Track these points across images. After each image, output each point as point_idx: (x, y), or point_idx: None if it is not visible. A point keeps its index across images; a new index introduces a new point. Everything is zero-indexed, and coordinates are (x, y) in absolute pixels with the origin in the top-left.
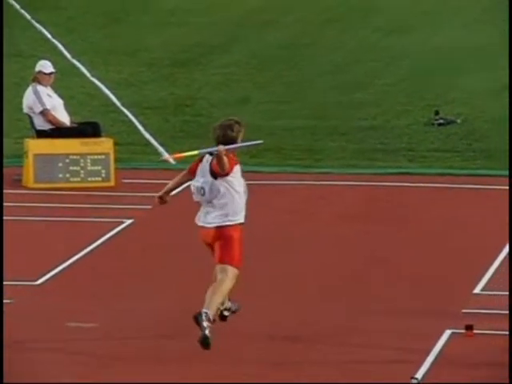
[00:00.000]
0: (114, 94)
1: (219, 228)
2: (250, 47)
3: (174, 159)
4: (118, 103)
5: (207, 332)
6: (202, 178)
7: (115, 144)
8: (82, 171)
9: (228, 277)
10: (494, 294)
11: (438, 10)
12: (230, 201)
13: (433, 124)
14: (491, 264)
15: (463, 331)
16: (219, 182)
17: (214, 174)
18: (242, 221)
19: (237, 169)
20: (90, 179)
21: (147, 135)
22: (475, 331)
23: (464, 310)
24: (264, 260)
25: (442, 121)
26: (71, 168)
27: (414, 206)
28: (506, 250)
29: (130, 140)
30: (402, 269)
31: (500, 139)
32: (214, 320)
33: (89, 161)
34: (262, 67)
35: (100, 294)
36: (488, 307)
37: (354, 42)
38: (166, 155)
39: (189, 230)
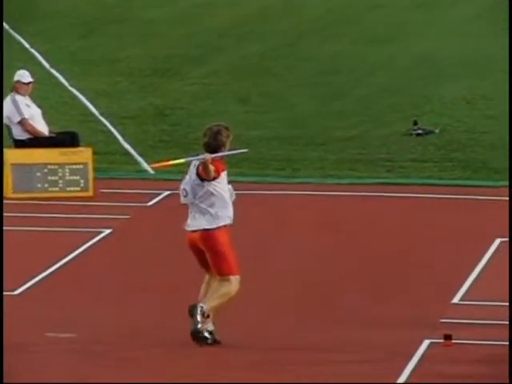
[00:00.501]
0: (92, 103)
1: (204, 232)
2: (229, 58)
3: (160, 167)
4: (96, 113)
5: (199, 326)
6: (187, 179)
7: (94, 154)
8: (60, 181)
9: (232, 285)
10: (473, 304)
11: (416, 21)
12: (212, 204)
13: (411, 134)
14: (470, 273)
15: (442, 341)
16: (204, 185)
17: (201, 179)
18: (226, 223)
19: (223, 175)
20: (68, 189)
21: (126, 145)
22: (454, 341)
23: (442, 320)
24: (243, 270)
25: (420, 131)
26: (49, 178)
27: (392, 216)
28: (485, 259)
29: (108, 150)
30: (379, 278)
31: (478, 149)
32: (208, 316)
33: (67, 170)
34: (240, 77)
35: (79, 303)
36: (467, 317)
37: (332, 52)
38: (146, 165)
39: (168, 239)
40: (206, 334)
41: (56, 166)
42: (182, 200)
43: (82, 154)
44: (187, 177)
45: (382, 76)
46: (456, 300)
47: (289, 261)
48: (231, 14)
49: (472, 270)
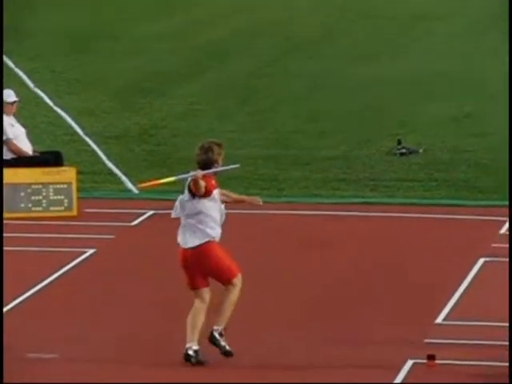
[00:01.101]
0: (77, 122)
1: (194, 249)
2: (213, 76)
3: (148, 187)
4: (80, 132)
5: (228, 348)
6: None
7: (78, 173)
8: (44, 201)
9: (237, 286)
10: (457, 324)
11: (400, 39)
12: (201, 221)
13: (395, 154)
14: (454, 293)
15: (425, 361)
16: (194, 201)
17: (192, 194)
18: (215, 238)
19: (215, 193)
20: (52, 209)
21: (110, 164)
22: (437, 361)
23: (426, 340)
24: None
25: (404, 150)
26: (33, 197)
27: (376, 235)
28: (468, 279)
29: (92, 169)
30: (363, 298)
31: (462, 168)
32: (226, 329)
33: (51, 190)
34: (225, 96)
35: (63, 323)
36: (450, 337)
37: (315, 70)
38: (130, 185)
39: (151, 259)
40: (191, 352)
41: (40, 186)
42: (172, 214)
43: (66, 174)
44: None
45: (366, 94)
46: (439, 320)
47: (273, 279)
48: (215, 33)
49: (456, 289)
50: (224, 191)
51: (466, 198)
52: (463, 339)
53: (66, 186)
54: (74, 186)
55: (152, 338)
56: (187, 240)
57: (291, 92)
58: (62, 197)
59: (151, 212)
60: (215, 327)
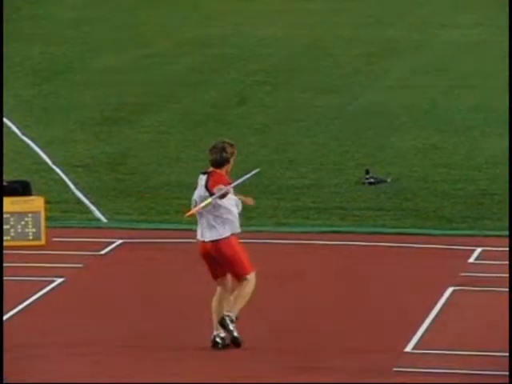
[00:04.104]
0: (45, 152)
1: (214, 242)
2: (181, 106)
3: (194, 213)
4: (49, 161)
5: (236, 334)
6: (196, 192)
7: (46, 202)
8: (12, 230)
9: (250, 282)
10: (426, 353)
11: (367, 71)
12: (220, 215)
13: (363, 183)
14: (422, 322)
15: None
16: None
17: (210, 193)
18: (233, 231)
19: (231, 190)
20: (20, 238)
21: (78, 193)
22: None
23: (396, 369)
24: (196, 319)
25: (372, 180)
26: None
27: (345, 264)
28: (437, 308)
29: (61, 198)
30: (332, 327)
31: (429, 198)
32: (237, 318)
33: (19, 219)
34: (193, 125)
35: (31, 353)
36: (419, 366)
37: (284, 101)
38: (99, 214)
39: (121, 288)
40: (218, 340)
41: (8, 215)
42: (192, 210)
43: (34, 203)
44: (197, 189)
45: (333, 125)
46: (409, 349)
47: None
48: (183, 64)
49: (425, 318)
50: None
51: (434, 228)
52: (432, 368)
53: (34, 215)
54: (43, 215)
55: (119, 371)
56: (206, 234)
57: (259, 122)
58: (30, 226)
59: (120, 241)
60: (227, 312)
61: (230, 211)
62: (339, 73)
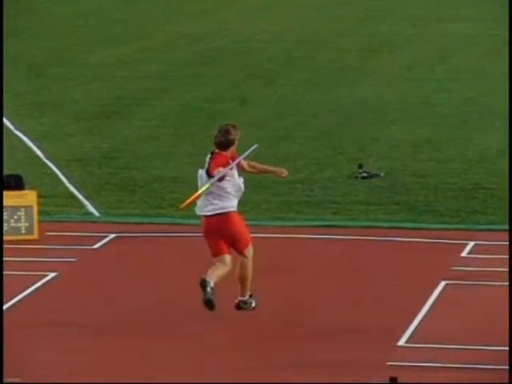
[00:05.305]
0: (38, 146)
1: (217, 215)
2: (175, 100)
3: (190, 204)
4: (41, 156)
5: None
6: (201, 169)
7: (39, 196)
8: (4, 224)
9: (249, 253)
10: (418, 347)
11: (360, 65)
12: (220, 193)
13: (356, 177)
14: (415, 316)
15: (387, 383)
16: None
17: (210, 176)
18: (232, 208)
19: (232, 172)
20: (12, 232)
21: (71, 188)
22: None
23: (388, 363)
24: (187, 310)
25: (365, 174)
26: None
27: (338, 259)
28: (430, 302)
29: (53, 193)
30: (324, 320)
31: (422, 192)
32: (251, 295)
33: (12, 213)
34: (186, 120)
35: (24, 347)
36: (412, 359)
37: (276, 96)
38: (92, 208)
39: (114, 282)
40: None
41: None
42: (199, 185)
43: (27, 197)
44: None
45: (326, 119)
46: (401, 343)
47: (232, 304)
48: (177, 57)
49: (417, 312)
50: (251, 163)
51: (427, 222)
52: (425, 362)
53: (27, 209)
54: (35, 210)
55: (118, 362)
56: (209, 208)
57: (252, 117)
58: (23, 220)
59: (113, 235)
60: (240, 298)
61: (226, 191)
62: (332, 67)
